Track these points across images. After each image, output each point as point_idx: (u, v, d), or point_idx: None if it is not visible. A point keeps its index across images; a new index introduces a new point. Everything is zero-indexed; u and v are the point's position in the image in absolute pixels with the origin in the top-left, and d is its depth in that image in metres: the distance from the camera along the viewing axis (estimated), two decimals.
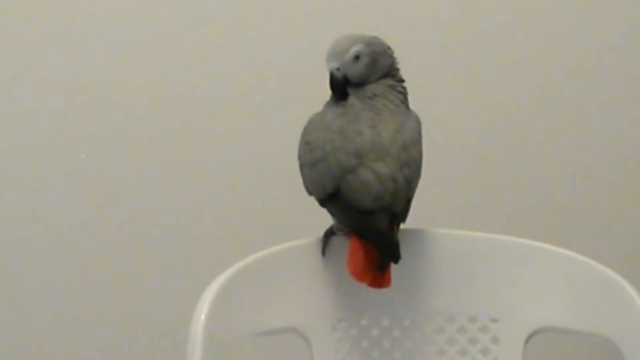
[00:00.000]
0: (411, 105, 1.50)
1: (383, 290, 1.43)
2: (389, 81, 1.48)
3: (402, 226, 1.46)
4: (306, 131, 1.47)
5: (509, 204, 2.12)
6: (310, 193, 1.47)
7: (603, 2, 2.12)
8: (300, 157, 1.48)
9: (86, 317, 2.03)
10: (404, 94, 1.49)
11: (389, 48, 1.49)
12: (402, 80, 1.49)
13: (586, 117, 2.13)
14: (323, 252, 1.48)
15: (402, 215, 1.44)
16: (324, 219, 1.47)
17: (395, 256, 1.41)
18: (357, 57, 1.45)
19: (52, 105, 1.99)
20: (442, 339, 1.53)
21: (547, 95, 2.12)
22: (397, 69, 1.49)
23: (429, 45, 2.07)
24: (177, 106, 2.03)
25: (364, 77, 1.46)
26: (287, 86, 2.04)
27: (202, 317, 1.28)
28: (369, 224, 1.41)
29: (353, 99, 1.46)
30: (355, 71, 1.46)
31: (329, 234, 1.48)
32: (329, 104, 1.48)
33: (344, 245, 1.45)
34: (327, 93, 1.48)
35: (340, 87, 1.46)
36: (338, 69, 1.45)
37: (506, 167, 2.12)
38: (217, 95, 2.04)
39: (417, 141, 1.46)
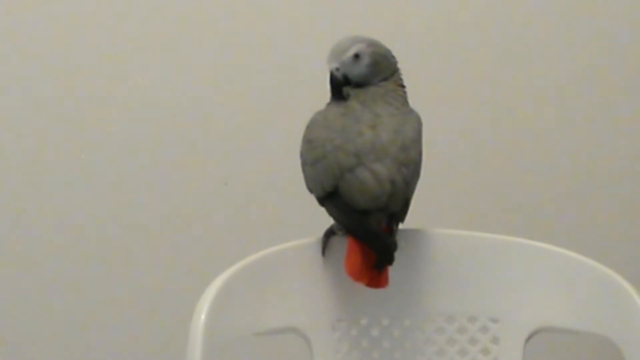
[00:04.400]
0: (411, 106, 1.50)
1: (383, 290, 1.43)
2: (390, 84, 1.48)
3: (401, 226, 1.46)
4: (308, 129, 1.47)
5: (509, 204, 2.12)
6: (311, 191, 1.47)
7: (604, 2, 2.12)
8: (302, 155, 1.48)
9: (86, 317, 2.03)
10: (404, 96, 1.49)
11: (392, 56, 1.49)
12: (403, 86, 1.50)
13: (586, 117, 2.13)
14: (323, 252, 1.48)
15: (400, 215, 1.44)
16: (324, 219, 1.47)
17: (389, 258, 1.41)
18: (356, 56, 1.45)
19: (52, 105, 1.99)
20: (442, 339, 1.53)
21: (548, 95, 2.12)
22: (399, 75, 1.50)
23: (430, 45, 2.07)
24: (177, 106, 2.03)
25: (365, 77, 1.46)
26: (289, 86, 2.04)
27: (202, 317, 1.28)
28: (365, 224, 1.41)
29: (354, 100, 1.46)
30: (356, 71, 1.46)
31: (329, 234, 1.48)
32: (330, 104, 1.48)
33: (343, 245, 1.44)
34: (329, 92, 1.48)
35: (339, 87, 1.46)
36: (337, 69, 1.46)
37: (506, 167, 2.12)
38: (219, 95, 2.03)
39: (416, 141, 1.46)
